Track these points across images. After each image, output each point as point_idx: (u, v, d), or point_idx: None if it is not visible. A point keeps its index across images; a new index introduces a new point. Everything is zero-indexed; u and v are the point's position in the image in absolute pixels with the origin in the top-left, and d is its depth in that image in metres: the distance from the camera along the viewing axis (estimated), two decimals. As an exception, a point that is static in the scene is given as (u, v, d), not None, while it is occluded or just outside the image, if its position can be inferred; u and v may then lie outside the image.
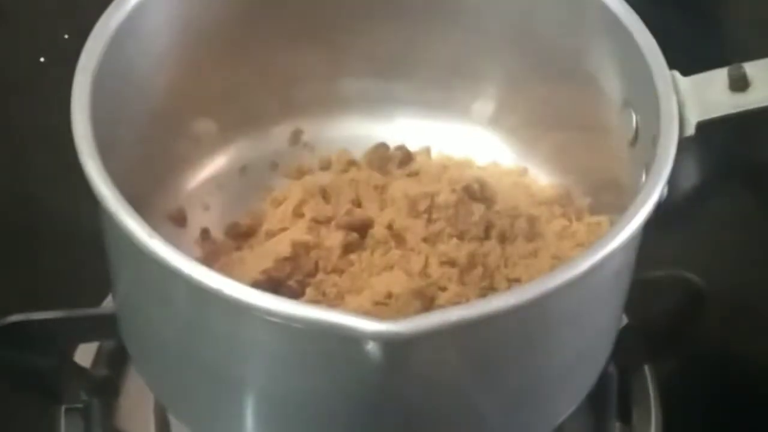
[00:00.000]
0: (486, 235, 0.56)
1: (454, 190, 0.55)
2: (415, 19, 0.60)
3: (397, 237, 0.55)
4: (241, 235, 0.59)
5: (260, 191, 0.61)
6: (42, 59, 0.78)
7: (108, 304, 0.61)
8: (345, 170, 0.61)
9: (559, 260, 0.55)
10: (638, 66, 0.52)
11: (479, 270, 0.54)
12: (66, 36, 0.77)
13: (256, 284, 0.53)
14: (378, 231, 0.56)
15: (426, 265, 0.54)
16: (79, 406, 0.61)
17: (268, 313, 0.44)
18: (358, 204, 0.58)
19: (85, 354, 0.62)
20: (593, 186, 0.59)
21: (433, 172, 0.60)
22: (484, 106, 0.63)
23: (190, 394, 0.52)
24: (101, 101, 0.50)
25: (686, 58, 0.53)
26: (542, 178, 0.62)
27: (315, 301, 0.53)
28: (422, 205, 0.55)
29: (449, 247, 0.54)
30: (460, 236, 0.55)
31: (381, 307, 0.52)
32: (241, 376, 0.49)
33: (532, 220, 0.57)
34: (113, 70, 0.52)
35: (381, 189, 0.58)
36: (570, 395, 0.54)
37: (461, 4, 0.60)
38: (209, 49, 0.58)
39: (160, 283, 0.48)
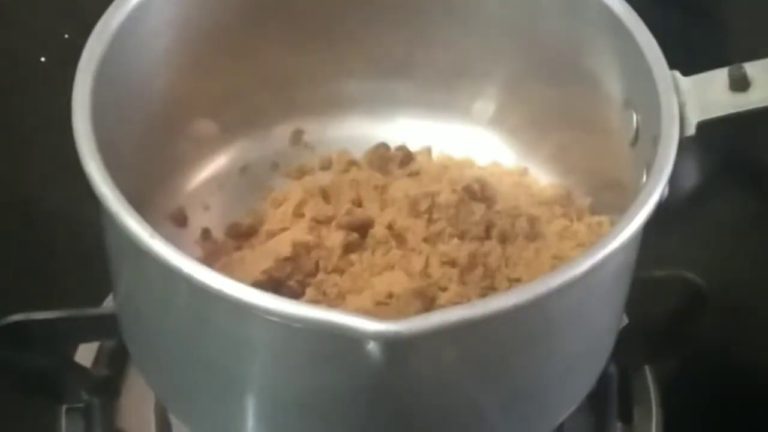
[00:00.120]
0: (487, 235, 0.56)
1: (454, 190, 0.55)
2: (415, 19, 0.60)
3: (398, 237, 0.55)
4: (242, 235, 0.59)
5: (261, 191, 0.61)
6: (42, 59, 0.78)
7: (109, 304, 0.61)
8: (345, 170, 0.61)
9: (559, 260, 0.55)
10: (639, 66, 0.52)
11: (480, 270, 0.54)
12: (66, 36, 0.77)
13: (257, 284, 0.53)
14: (378, 231, 0.56)
15: (427, 265, 0.54)
16: (80, 405, 0.61)
17: (269, 312, 0.44)
18: (358, 204, 0.58)
19: (85, 354, 0.62)
20: (594, 186, 0.59)
21: (434, 172, 0.60)
22: (485, 106, 0.63)
23: (190, 394, 0.52)
24: (102, 101, 0.50)
25: (687, 58, 0.53)
26: (543, 178, 0.62)
27: (315, 301, 0.53)
28: (423, 205, 0.55)
29: (450, 247, 0.54)
30: (461, 236, 0.55)
31: (381, 307, 0.52)
32: (242, 375, 0.49)
33: (532, 220, 0.57)
34: (114, 70, 0.52)
35: (381, 189, 0.58)
36: (570, 395, 0.54)
37: (462, 5, 0.60)
38: (210, 49, 0.58)
39: (161, 283, 0.48)
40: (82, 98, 0.50)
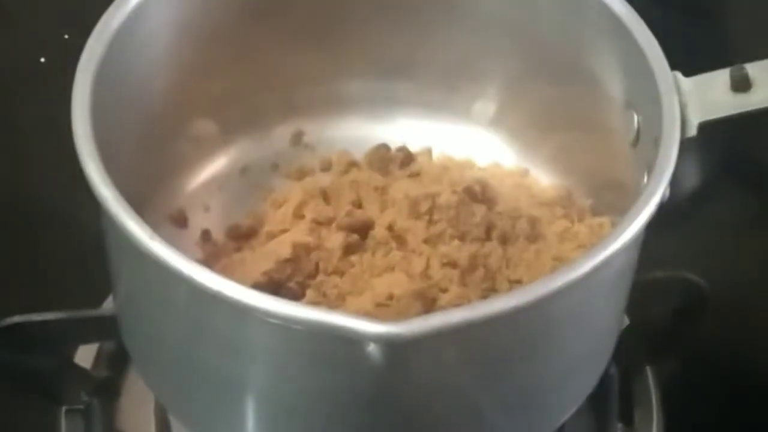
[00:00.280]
0: (487, 237, 0.55)
1: (455, 191, 0.55)
2: (416, 19, 0.60)
3: (398, 238, 0.55)
4: (242, 236, 0.58)
5: (261, 192, 0.61)
6: (42, 59, 0.78)
7: (108, 305, 0.61)
8: (346, 171, 0.61)
9: (560, 261, 0.55)
10: (640, 67, 0.52)
11: (480, 271, 0.54)
12: (66, 36, 0.77)
13: (257, 286, 0.53)
14: (379, 232, 0.55)
15: (427, 266, 0.54)
16: (80, 407, 0.61)
17: (269, 314, 0.44)
18: (358, 205, 0.58)
19: (85, 355, 0.62)
20: (595, 187, 0.59)
21: (435, 173, 0.60)
22: (486, 106, 0.63)
23: (190, 395, 0.52)
24: (102, 102, 0.50)
25: (688, 59, 0.53)
26: (543, 179, 0.62)
27: (316, 303, 0.53)
28: (423, 207, 0.55)
29: (450, 248, 0.54)
30: (462, 237, 0.55)
31: (382, 309, 0.52)
32: (242, 377, 0.49)
33: (533, 221, 0.57)
34: (114, 71, 0.52)
35: (382, 190, 0.58)
36: (571, 396, 0.54)
37: (463, 5, 0.59)
38: (210, 50, 0.58)
39: (161, 285, 0.48)
40: (82, 99, 0.50)
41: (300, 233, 0.55)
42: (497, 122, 0.63)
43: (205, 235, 0.60)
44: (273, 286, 0.54)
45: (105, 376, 0.62)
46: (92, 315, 0.58)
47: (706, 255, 0.69)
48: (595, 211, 0.59)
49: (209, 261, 0.57)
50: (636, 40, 0.53)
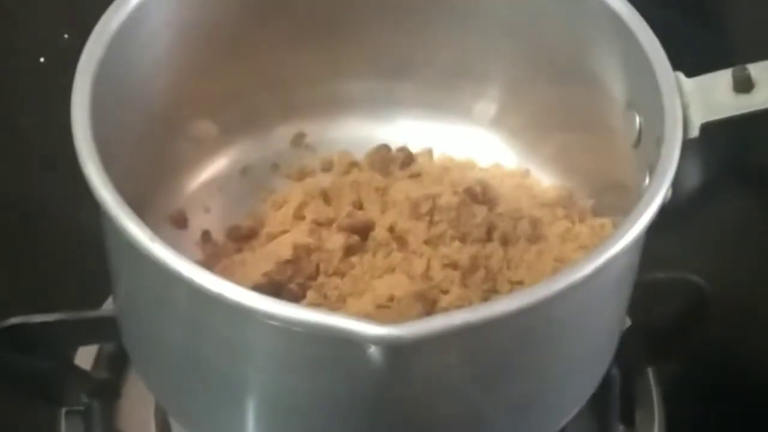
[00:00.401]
0: (488, 238, 0.55)
1: (456, 192, 0.55)
2: (417, 20, 0.60)
3: (399, 239, 0.55)
4: (242, 237, 0.58)
5: (261, 193, 0.61)
6: (42, 59, 0.78)
7: (108, 306, 0.61)
8: (346, 172, 0.61)
9: (561, 262, 0.55)
10: (642, 67, 0.52)
11: (482, 272, 0.54)
12: (66, 36, 0.77)
13: (258, 287, 0.53)
14: (379, 233, 0.55)
15: (428, 267, 0.54)
16: (80, 408, 0.60)
17: (270, 316, 0.44)
18: (359, 206, 0.57)
19: (85, 356, 0.62)
20: (596, 188, 0.59)
21: (435, 174, 0.60)
22: (486, 107, 0.63)
23: (190, 397, 0.52)
24: (102, 103, 0.50)
25: (690, 60, 0.52)
26: (545, 180, 0.62)
27: (316, 304, 0.53)
28: (424, 208, 0.55)
29: (451, 249, 0.54)
30: (462, 238, 0.55)
31: (383, 310, 0.52)
32: (242, 379, 0.49)
33: (534, 222, 0.56)
34: (113, 71, 0.52)
35: (382, 191, 0.58)
36: (573, 398, 0.54)
37: (463, 5, 0.59)
38: (210, 50, 0.58)
39: (161, 287, 0.48)
40: (82, 100, 0.49)
41: (300, 234, 0.55)
42: (498, 123, 0.63)
43: (206, 235, 0.60)
44: (274, 288, 0.54)
45: (105, 378, 0.61)
46: (92, 316, 0.58)
47: (707, 256, 0.69)
48: (597, 212, 0.59)
49: (209, 262, 0.57)
50: (638, 41, 0.52)
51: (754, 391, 0.66)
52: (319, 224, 0.56)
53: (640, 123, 0.54)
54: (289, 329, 0.44)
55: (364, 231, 0.56)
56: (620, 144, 0.55)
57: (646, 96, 0.52)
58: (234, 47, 0.59)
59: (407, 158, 0.61)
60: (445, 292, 0.53)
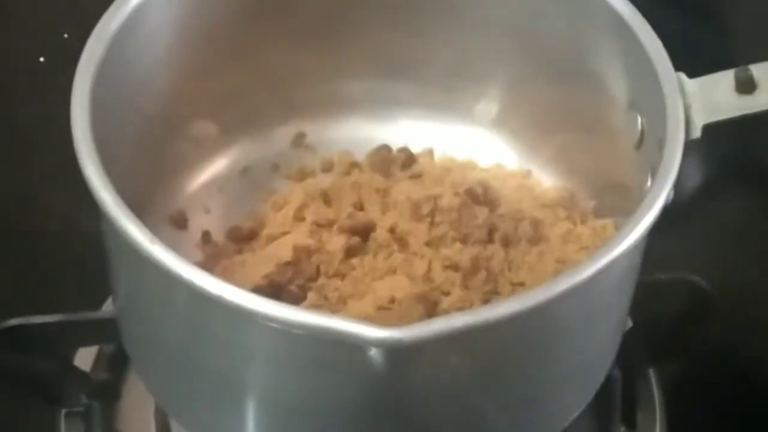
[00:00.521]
0: (489, 239, 0.55)
1: (457, 194, 0.55)
2: (417, 20, 0.60)
3: (400, 241, 0.55)
4: (243, 238, 0.58)
5: (261, 193, 0.61)
6: (42, 59, 0.77)
7: (108, 307, 0.61)
8: (347, 172, 0.61)
9: (563, 264, 0.55)
10: (644, 68, 0.52)
11: (483, 274, 0.54)
12: (66, 35, 0.77)
13: (258, 289, 0.53)
14: (380, 234, 0.55)
15: (429, 269, 0.54)
16: (80, 409, 0.60)
17: (269, 319, 0.44)
18: (360, 207, 0.57)
19: (85, 357, 0.62)
20: (598, 188, 0.59)
21: (436, 175, 0.60)
22: (488, 107, 0.63)
23: (190, 399, 0.52)
24: (102, 103, 0.50)
25: (692, 60, 0.52)
26: (546, 181, 0.61)
27: (317, 306, 0.53)
28: (425, 209, 0.55)
29: (452, 250, 0.54)
30: (464, 240, 0.55)
31: (384, 312, 0.52)
32: (243, 381, 0.49)
33: (535, 223, 0.56)
34: (113, 72, 0.51)
35: (383, 192, 0.58)
36: (574, 400, 0.54)
37: (463, 5, 0.59)
38: (210, 51, 0.58)
39: (161, 289, 0.47)
40: (82, 100, 0.49)
41: (301, 236, 0.55)
42: (499, 123, 0.63)
43: (206, 236, 0.59)
44: (274, 289, 0.54)
45: (105, 379, 0.61)
46: (92, 318, 0.58)
47: (708, 256, 0.69)
48: (598, 213, 0.58)
49: (209, 263, 0.57)
50: (640, 41, 0.52)
51: (755, 391, 0.66)
52: (319, 225, 0.56)
53: (642, 124, 0.54)
54: (289, 331, 0.44)
55: (364, 232, 0.56)
56: (622, 145, 0.55)
57: (648, 97, 0.52)
58: (234, 47, 0.59)
59: (408, 159, 0.61)
60: (447, 293, 0.53)
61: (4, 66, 0.77)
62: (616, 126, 0.55)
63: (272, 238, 0.56)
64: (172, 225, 0.60)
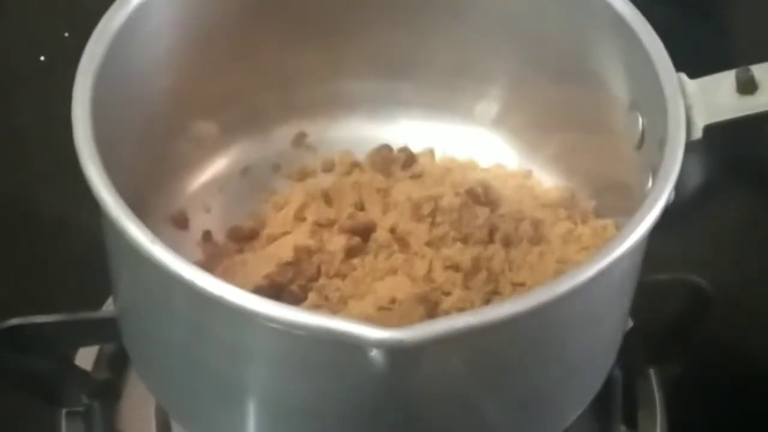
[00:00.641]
0: (490, 239, 0.55)
1: (458, 194, 0.55)
2: (418, 20, 0.60)
3: (401, 241, 0.55)
4: (243, 237, 0.58)
5: (262, 193, 0.61)
6: (42, 58, 0.77)
7: (108, 307, 0.61)
8: (348, 172, 0.61)
9: (564, 264, 0.55)
10: (645, 68, 0.52)
11: (483, 274, 0.54)
12: (66, 34, 0.77)
13: (259, 289, 0.53)
14: (381, 235, 0.55)
15: (430, 269, 0.54)
16: (80, 409, 0.60)
17: (270, 319, 0.44)
18: (360, 207, 0.57)
19: (86, 357, 0.62)
20: (598, 188, 0.59)
21: (437, 174, 0.60)
22: (488, 107, 0.63)
23: (191, 399, 0.52)
24: (102, 103, 0.50)
25: (693, 61, 0.52)
26: (547, 180, 0.61)
27: (317, 306, 0.53)
28: (426, 209, 0.55)
29: (453, 251, 0.54)
30: (464, 240, 0.55)
31: (384, 312, 0.52)
32: (243, 381, 0.49)
33: (536, 224, 0.56)
34: (114, 72, 0.51)
35: (384, 192, 0.58)
36: (575, 400, 0.54)
37: (465, 5, 0.59)
38: (211, 50, 0.58)
39: (162, 289, 0.47)
40: (82, 101, 0.49)
41: (301, 236, 0.55)
42: (500, 123, 0.63)
43: (206, 236, 0.59)
44: (275, 290, 0.54)
45: (105, 378, 0.61)
46: (92, 317, 0.58)
47: (709, 257, 0.69)
48: (599, 213, 0.58)
49: (210, 262, 0.57)
50: (641, 42, 0.52)
51: (756, 391, 0.66)
52: (320, 225, 0.56)
53: (642, 124, 0.54)
54: (290, 332, 0.44)
55: (365, 232, 0.56)
56: (623, 145, 0.55)
57: (649, 97, 0.52)
58: (235, 47, 0.59)
59: (409, 158, 0.61)
60: (447, 294, 0.53)
61: (4, 65, 0.77)
62: (617, 126, 0.55)
63: (273, 238, 0.56)
64: (172, 225, 0.60)
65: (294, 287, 0.54)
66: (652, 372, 0.62)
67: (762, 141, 0.75)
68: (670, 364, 0.63)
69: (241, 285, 0.44)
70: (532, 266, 0.55)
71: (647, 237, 0.48)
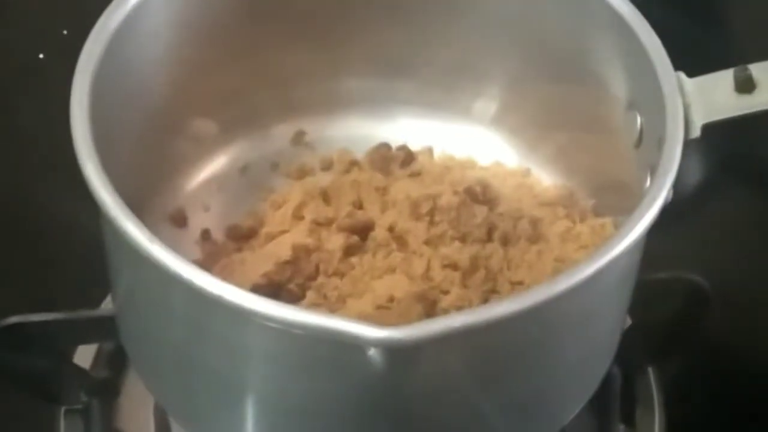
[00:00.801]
0: (488, 238, 0.55)
1: (456, 192, 0.55)
2: (417, 18, 0.60)
3: (399, 239, 0.55)
4: (242, 236, 0.58)
5: (261, 191, 0.61)
6: (41, 55, 0.77)
7: (107, 305, 0.61)
8: (347, 170, 0.61)
9: (562, 263, 0.55)
10: (643, 67, 0.52)
11: (482, 273, 0.54)
12: (65, 32, 0.77)
13: (257, 288, 0.53)
14: (379, 233, 0.55)
15: (428, 268, 0.54)
16: (79, 407, 0.60)
17: (269, 319, 0.44)
18: (359, 206, 0.57)
19: (84, 355, 0.62)
20: (597, 187, 0.59)
21: (436, 173, 0.60)
22: (487, 105, 0.63)
23: (189, 398, 0.52)
24: (101, 102, 0.50)
25: (692, 60, 0.52)
26: (545, 179, 0.61)
27: (316, 305, 0.53)
28: (424, 208, 0.55)
29: (451, 249, 0.54)
30: (463, 239, 0.55)
31: (383, 311, 0.52)
32: (242, 381, 0.49)
33: (535, 222, 0.56)
34: (113, 70, 0.51)
35: (382, 191, 0.58)
36: (574, 398, 0.54)
37: (464, 4, 0.59)
38: (209, 49, 0.58)
39: (160, 288, 0.47)
40: (81, 100, 0.49)
41: (300, 235, 0.55)
42: (499, 121, 0.63)
43: (205, 234, 0.59)
44: (273, 288, 0.54)
45: (104, 376, 0.61)
46: (91, 315, 0.58)
47: (707, 255, 0.69)
48: (597, 212, 0.59)
49: (209, 261, 0.57)
50: (639, 40, 0.52)
51: (755, 390, 0.66)
52: (318, 224, 0.56)
53: (641, 123, 0.54)
54: (288, 331, 0.44)
55: (363, 231, 0.56)
56: (621, 144, 0.55)
57: (647, 96, 0.52)
58: (234, 46, 0.58)
59: (407, 157, 0.61)
60: (446, 292, 0.53)
61: (3, 63, 0.77)
62: (616, 125, 0.55)
63: (271, 237, 0.56)
64: (171, 223, 0.60)
65: (292, 286, 0.54)
66: (650, 370, 0.62)
67: (760, 140, 0.75)
68: (668, 362, 0.63)
69: (239, 284, 0.44)
70: (530, 265, 0.55)
71: (646, 235, 0.48)
